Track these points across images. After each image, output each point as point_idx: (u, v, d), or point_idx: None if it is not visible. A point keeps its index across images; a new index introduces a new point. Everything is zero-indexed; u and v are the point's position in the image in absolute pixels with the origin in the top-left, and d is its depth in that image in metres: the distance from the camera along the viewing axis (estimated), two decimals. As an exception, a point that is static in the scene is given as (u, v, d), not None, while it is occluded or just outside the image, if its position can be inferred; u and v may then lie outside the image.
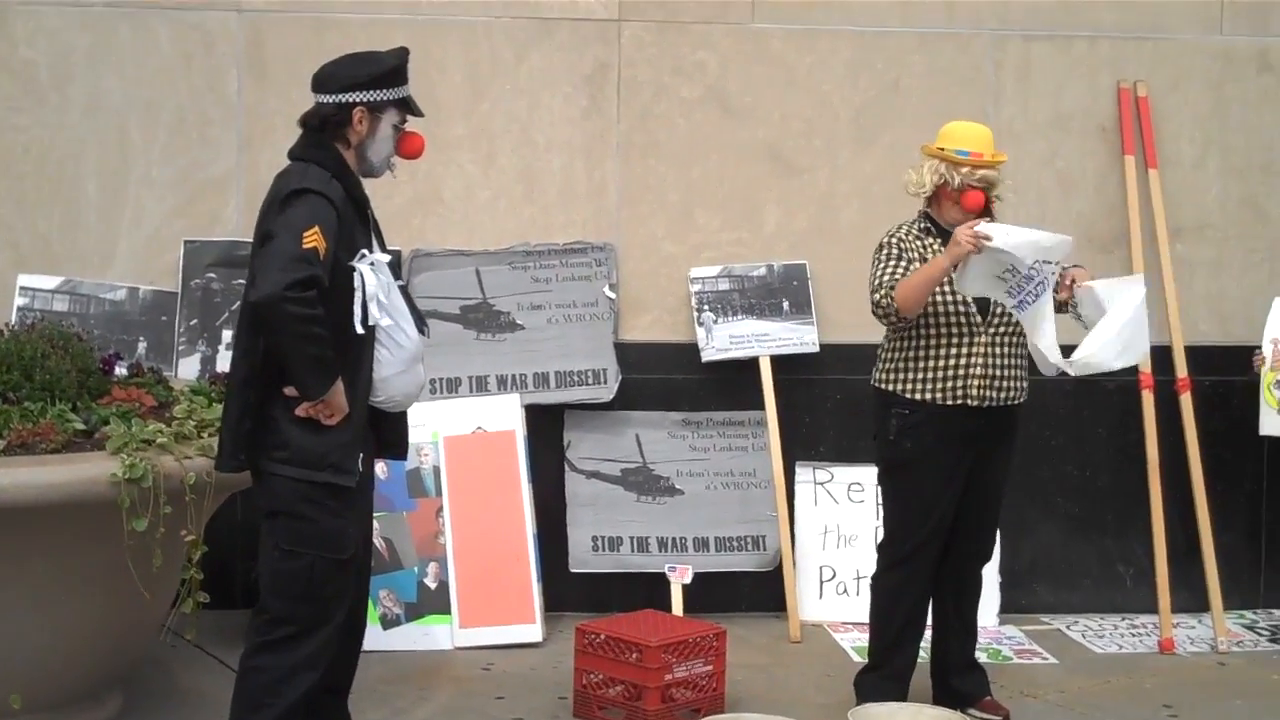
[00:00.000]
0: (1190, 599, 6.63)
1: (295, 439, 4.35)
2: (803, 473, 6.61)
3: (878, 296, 5.05)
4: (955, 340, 5.11)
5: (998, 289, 4.97)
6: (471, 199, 6.67)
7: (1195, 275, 6.88)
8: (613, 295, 6.56)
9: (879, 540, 5.46)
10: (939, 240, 5.14)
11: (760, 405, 6.52)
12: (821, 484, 6.65)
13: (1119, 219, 6.79)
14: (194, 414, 5.05)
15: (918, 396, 5.13)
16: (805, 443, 6.64)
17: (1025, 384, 5.23)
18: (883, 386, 5.23)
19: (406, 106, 4.55)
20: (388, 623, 6.19)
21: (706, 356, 6.56)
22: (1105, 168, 6.83)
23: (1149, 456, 6.53)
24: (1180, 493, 6.56)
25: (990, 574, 6.36)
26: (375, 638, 6.02)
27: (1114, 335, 4.95)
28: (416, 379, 4.63)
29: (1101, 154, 6.82)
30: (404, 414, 4.72)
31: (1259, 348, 6.18)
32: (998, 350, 5.12)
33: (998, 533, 5.48)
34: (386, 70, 4.47)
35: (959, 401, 5.09)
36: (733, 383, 6.60)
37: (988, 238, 4.85)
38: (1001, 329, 5.15)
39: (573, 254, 6.60)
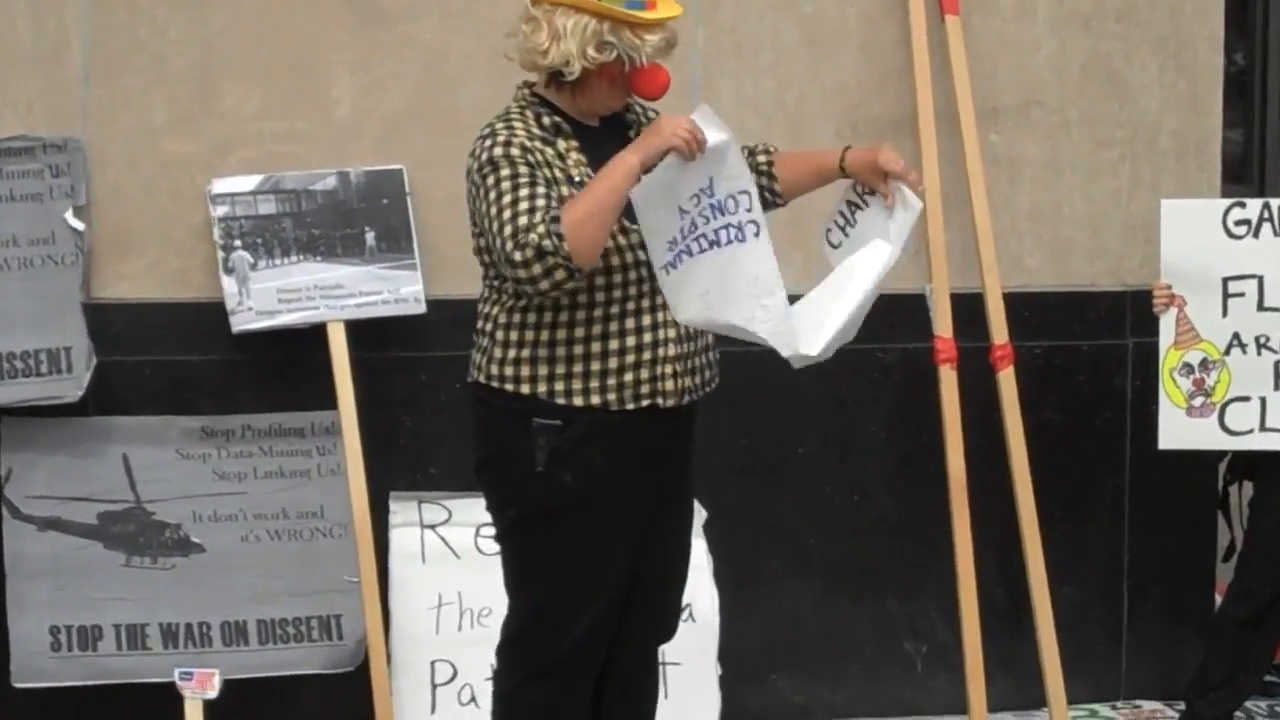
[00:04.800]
0: (1013, 691, 5.08)
1: None
2: (402, 510, 5.01)
3: (534, 237, 3.55)
4: (634, 304, 3.73)
5: (671, 225, 3.63)
6: None
7: (1018, 184, 5.26)
8: (80, 225, 4.99)
9: (506, 635, 3.95)
10: (577, 142, 3.79)
11: (330, 404, 4.89)
12: (432, 527, 5.08)
13: (898, 94, 5.21)
14: None
15: (579, 401, 3.78)
16: (405, 462, 5.13)
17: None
18: (508, 388, 3.77)
19: None
20: None
21: (240, 324, 4.96)
22: (877, 16, 5.25)
23: (950, 470, 4.89)
24: (1000, 522, 4.97)
25: (709, 664, 4.94)
26: None
27: (857, 305, 3.70)
28: None
29: (871, -4, 5.26)
30: None
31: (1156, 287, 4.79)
32: None
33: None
34: None
35: (649, 401, 3.79)
36: (283, 367, 4.98)
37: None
38: None
39: (11, 156, 4.95)
